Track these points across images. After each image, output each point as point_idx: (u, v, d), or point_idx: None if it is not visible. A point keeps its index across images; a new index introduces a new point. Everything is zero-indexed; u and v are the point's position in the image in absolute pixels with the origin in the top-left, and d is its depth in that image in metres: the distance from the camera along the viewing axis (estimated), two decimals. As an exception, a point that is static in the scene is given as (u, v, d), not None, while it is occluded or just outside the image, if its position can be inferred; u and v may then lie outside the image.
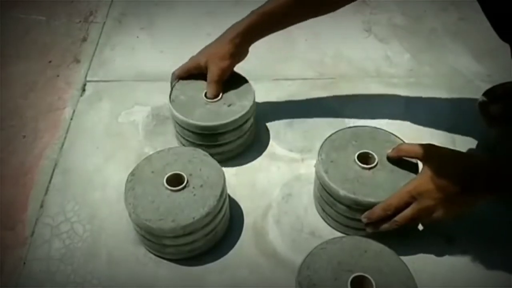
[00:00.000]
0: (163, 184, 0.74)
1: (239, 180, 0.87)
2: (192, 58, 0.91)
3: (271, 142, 0.95)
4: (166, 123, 0.99)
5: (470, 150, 0.91)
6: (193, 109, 0.86)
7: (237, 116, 0.84)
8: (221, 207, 0.74)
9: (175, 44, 1.19)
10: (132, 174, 0.76)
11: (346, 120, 0.96)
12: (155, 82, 1.09)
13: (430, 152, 0.69)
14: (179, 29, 1.24)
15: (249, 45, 0.88)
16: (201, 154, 0.78)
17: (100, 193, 0.86)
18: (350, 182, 0.74)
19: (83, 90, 1.07)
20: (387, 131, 0.82)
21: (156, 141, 0.95)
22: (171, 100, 0.87)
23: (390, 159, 0.75)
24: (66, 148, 0.94)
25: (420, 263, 0.73)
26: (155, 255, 0.77)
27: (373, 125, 0.85)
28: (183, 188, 0.73)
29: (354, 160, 0.76)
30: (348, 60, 1.12)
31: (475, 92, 0.94)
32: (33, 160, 0.92)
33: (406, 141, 0.79)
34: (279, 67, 1.09)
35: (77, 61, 1.15)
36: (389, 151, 0.75)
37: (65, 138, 0.96)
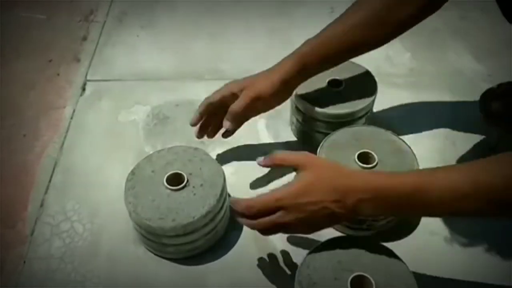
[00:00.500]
0: (163, 183, 0.74)
1: (239, 179, 0.87)
2: (229, 83, 0.80)
3: (271, 140, 0.95)
4: (166, 122, 0.99)
5: (471, 149, 0.91)
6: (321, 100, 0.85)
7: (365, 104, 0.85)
8: (221, 206, 0.74)
9: (176, 43, 1.19)
10: (132, 173, 0.76)
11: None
12: (155, 81, 1.09)
13: (305, 163, 0.64)
14: (180, 28, 1.24)
15: (297, 84, 0.79)
16: (201, 153, 0.78)
17: (101, 192, 0.86)
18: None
19: (83, 89, 1.07)
20: (387, 130, 0.81)
21: (156, 140, 0.95)
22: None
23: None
24: (66, 147, 0.94)
25: (420, 262, 0.73)
26: (155, 254, 0.77)
27: (373, 124, 0.85)
28: (183, 187, 0.73)
29: (354, 160, 0.76)
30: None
31: (476, 92, 0.94)
32: (33, 159, 0.93)
33: (407, 141, 0.79)
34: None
35: (78, 60, 1.15)
36: (261, 159, 0.69)
37: (65, 137, 0.96)
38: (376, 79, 0.89)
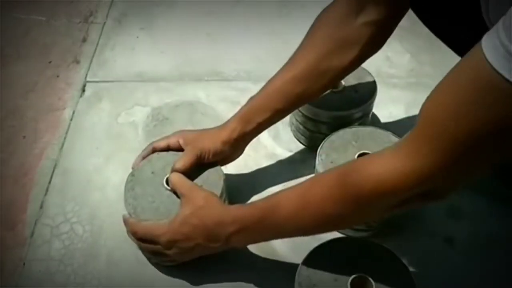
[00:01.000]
0: (163, 185, 0.73)
1: (239, 181, 0.87)
2: (176, 134, 0.79)
3: (271, 142, 0.95)
4: (166, 123, 0.99)
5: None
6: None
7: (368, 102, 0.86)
8: None
9: (175, 45, 1.19)
10: (132, 174, 0.76)
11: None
12: (155, 83, 1.09)
13: (185, 195, 0.69)
14: (179, 30, 1.24)
15: (246, 140, 0.78)
16: None
17: (100, 194, 0.86)
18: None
19: (83, 90, 1.07)
20: (387, 131, 0.81)
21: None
22: None
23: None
24: (66, 149, 0.94)
25: (420, 263, 0.73)
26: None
27: (373, 125, 0.85)
28: None
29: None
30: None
31: (476, 93, 0.94)
32: (33, 160, 0.92)
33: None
34: (280, 67, 1.09)
35: (77, 61, 1.15)
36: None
37: (65, 138, 0.96)
38: (376, 80, 0.89)
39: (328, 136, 0.81)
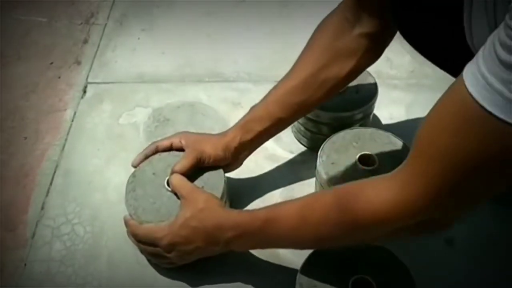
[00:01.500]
0: (164, 186, 0.74)
1: (240, 182, 0.87)
2: (179, 134, 0.79)
3: (272, 143, 0.94)
4: (167, 124, 0.98)
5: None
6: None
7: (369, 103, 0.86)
8: None
9: (177, 46, 1.19)
10: (133, 175, 0.76)
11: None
12: (156, 84, 1.09)
13: (186, 197, 0.69)
14: (181, 30, 1.24)
15: (246, 149, 0.78)
16: None
17: (101, 195, 0.86)
18: (351, 184, 0.73)
19: (84, 91, 1.07)
20: (388, 132, 0.81)
21: (157, 143, 0.95)
22: None
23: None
24: (67, 150, 0.94)
25: (421, 264, 0.73)
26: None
27: (374, 126, 0.85)
28: None
29: (355, 161, 0.76)
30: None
31: (476, 94, 0.94)
32: (34, 161, 0.93)
33: (408, 143, 0.79)
34: (280, 68, 1.09)
35: (78, 62, 1.15)
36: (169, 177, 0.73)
37: (66, 139, 0.96)
38: (377, 81, 0.89)
39: (329, 137, 0.81)
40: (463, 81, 0.42)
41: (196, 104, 1.01)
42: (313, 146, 0.88)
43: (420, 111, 1.00)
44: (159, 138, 0.95)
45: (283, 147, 0.94)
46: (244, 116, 0.77)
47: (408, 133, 0.89)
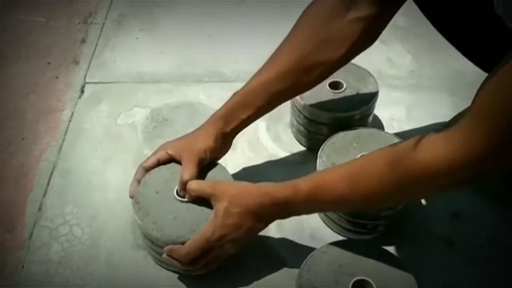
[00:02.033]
0: (175, 198, 0.72)
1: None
2: (164, 147, 0.77)
3: (272, 144, 0.94)
4: (165, 125, 0.98)
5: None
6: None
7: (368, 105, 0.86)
8: None
9: (175, 46, 1.18)
10: (136, 203, 0.73)
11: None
12: (154, 84, 1.08)
13: (216, 193, 0.68)
14: (179, 30, 1.23)
15: (233, 134, 0.77)
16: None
17: (99, 195, 0.86)
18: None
19: (82, 91, 1.07)
20: (388, 133, 0.81)
21: (155, 143, 0.94)
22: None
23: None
24: (65, 150, 0.94)
25: (421, 266, 0.73)
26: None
27: (374, 127, 0.84)
28: None
29: (355, 162, 0.75)
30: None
31: (477, 94, 0.93)
32: (32, 162, 0.92)
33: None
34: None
35: (76, 62, 1.14)
36: (179, 188, 0.72)
37: (63, 140, 0.96)
38: (377, 81, 0.89)
39: (329, 138, 0.80)
40: None
41: (195, 104, 1.00)
42: (313, 147, 0.88)
43: (421, 111, 1.00)
44: (157, 139, 0.95)
45: (283, 147, 0.93)
46: (226, 104, 0.76)
47: (408, 133, 0.90)
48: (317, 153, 0.79)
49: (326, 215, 0.79)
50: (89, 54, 1.16)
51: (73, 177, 0.89)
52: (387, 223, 0.76)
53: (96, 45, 1.19)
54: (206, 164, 0.75)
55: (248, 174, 0.88)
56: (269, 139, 0.95)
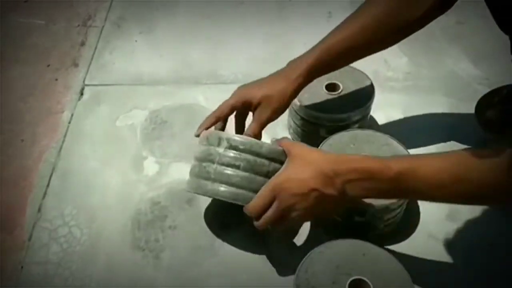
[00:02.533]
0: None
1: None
2: (240, 92, 0.77)
3: (269, 145, 0.95)
4: (164, 126, 0.99)
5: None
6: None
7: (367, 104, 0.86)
8: None
9: (174, 48, 1.19)
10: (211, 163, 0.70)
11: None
12: (153, 86, 1.09)
13: (295, 150, 0.67)
14: (178, 33, 1.24)
15: (308, 84, 0.78)
16: None
17: (98, 197, 0.86)
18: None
19: (81, 94, 1.07)
20: (385, 134, 0.82)
21: (154, 145, 0.95)
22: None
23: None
24: (64, 152, 0.94)
25: (418, 266, 0.73)
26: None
27: (371, 128, 0.85)
28: None
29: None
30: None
31: (473, 96, 0.94)
32: (31, 164, 0.92)
33: (404, 144, 0.79)
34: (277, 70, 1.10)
35: (76, 65, 1.15)
36: (274, 140, 0.72)
37: (63, 142, 0.96)
38: (374, 83, 0.90)
39: (326, 139, 0.81)
40: None
41: (194, 106, 1.01)
42: None
43: (417, 112, 1.00)
44: (156, 141, 0.95)
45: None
46: (310, 57, 0.75)
47: (405, 135, 0.90)
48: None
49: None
50: (88, 56, 1.17)
51: (73, 179, 0.89)
52: (385, 225, 0.77)
53: (96, 47, 1.19)
54: None
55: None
56: (267, 140, 0.95)
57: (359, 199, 0.69)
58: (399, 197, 0.70)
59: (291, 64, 0.76)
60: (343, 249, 0.68)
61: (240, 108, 0.77)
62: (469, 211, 0.82)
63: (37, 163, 0.93)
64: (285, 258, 0.76)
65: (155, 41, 1.22)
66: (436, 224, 0.81)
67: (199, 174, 0.72)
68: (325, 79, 0.86)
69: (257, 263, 0.76)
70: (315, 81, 0.79)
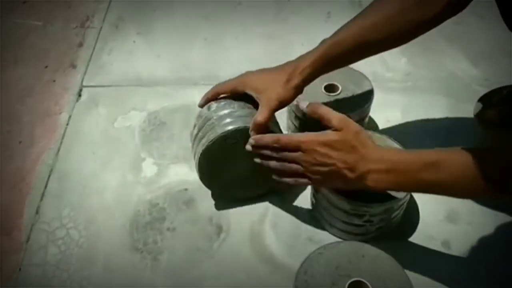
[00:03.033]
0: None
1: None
2: (244, 79, 0.78)
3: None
4: (163, 128, 0.98)
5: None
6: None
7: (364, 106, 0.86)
8: None
9: (172, 49, 1.19)
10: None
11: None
12: (152, 87, 1.09)
13: (340, 125, 0.66)
14: (176, 34, 1.24)
15: (314, 79, 0.77)
16: None
17: (96, 199, 0.86)
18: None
19: (79, 95, 1.07)
20: (384, 135, 0.81)
21: (153, 146, 0.95)
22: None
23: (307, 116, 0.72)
24: (62, 154, 0.94)
25: (418, 267, 0.73)
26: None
27: (370, 129, 0.85)
28: None
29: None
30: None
31: (472, 96, 0.94)
32: (29, 165, 0.92)
33: (403, 145, 0.79)
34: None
35: (74, 66, 1.15)
36: (305, 103, 0.71)
37: (61, 143, 0.96)
38: (373, 84, 0.90)
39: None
40: None
41: (192, 107, 1.01)
42: None
43: (416, 113, 1.00)
44: (154, 142, 0.95)
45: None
46: (316, 52, 0.74)
47: (404, 136, 0.90)
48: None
49: (322, 216, 0.79)
50: (86, 57, 1.17)
51: (70, 180, 0.89)
52: (384, 225, 0.77)
53: (94, 48, 1.19)
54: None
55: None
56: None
57: (378, 189, 0.68)
58: (418, 191, 0.70)
59: (299, 57, 0.76)
60: (342, 251, 0.68)
61: (239, 94, 0.78)
62: (468, 212, 0.82)
63: (35, 164, 0.92)
64: (284, 260, 0.76)
65: (153, 42, 1.21)
66: (435, 226, 0.80)
67: (204, 131, 0.76)
68: (324, 80, 0.86)
69: (255, 265, 0.76)
70: (314, 82, 0.79)
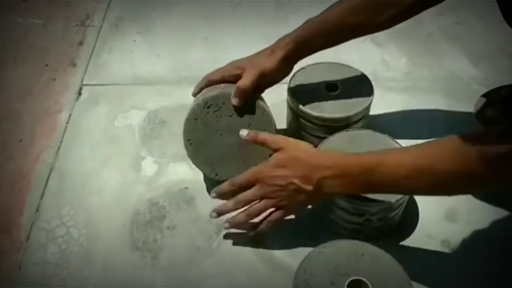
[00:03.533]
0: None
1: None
2: (231, 63, 0.84)
3: (268, 145, 0.94)
4: (163, 126, 0.99)
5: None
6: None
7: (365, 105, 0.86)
8: None
9: (172, 48, 1.19)
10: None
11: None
12: (152, 86, 1.09)
13: (282, 145, 0.70)
14: (176, 33, 1.24)
15: (297, 60, 0.81)
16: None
17: (96, 197, 0.86)
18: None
19: (79, 94, 1.07)
20: (384, 134, 0.81)
21: (153, 145, 0.95)
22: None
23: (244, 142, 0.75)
24: (62, 152, 0.94)
25: (417, 266, 0.73)
26: None
27: (370, 128, 0.85)
28: None
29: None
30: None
31: (472, 96, 0.94)
32: (29, 164, 0.92)
33: (403, 144, 0.79)
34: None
35: (74, 65, 1.15)
36: (245, 132, 0.74)
37: (61, 142, 0.96)
38: (373, 83, 0.90)
39: (325, 139, 0.81)
40: None
41: (192, 106, 1.01)
42: None
43: (416, 113, 1.00)
44: (154, 141, 0.95)
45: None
46: (298, 29, 0.79)
47: (404, 135, 0.90)
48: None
49: (321, 216, 0.79)
50: (86, 56, 1.17)
51: (70, 179, 0.89)
52: (383, 225, 0.77)
53: (94, 47, 1.19)
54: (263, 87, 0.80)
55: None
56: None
57: (335, 195, 0.72)
58: (372, 191, 0.70)
59: (283, 37, 0.80)
60: (342, 250, 0.68)
61: (229, 77, 0.81)
62: (468, 211, 0.82)
63: (35, 163, 0.92)
64: (283, 259, 0.76)
65: (153, 41, 1.21)
66: (435, 224, 0.81)
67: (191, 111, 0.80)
68: (324, 79, 0.86)
69: (255, 264, 0.76)
70: (314, 81, 0.80)
